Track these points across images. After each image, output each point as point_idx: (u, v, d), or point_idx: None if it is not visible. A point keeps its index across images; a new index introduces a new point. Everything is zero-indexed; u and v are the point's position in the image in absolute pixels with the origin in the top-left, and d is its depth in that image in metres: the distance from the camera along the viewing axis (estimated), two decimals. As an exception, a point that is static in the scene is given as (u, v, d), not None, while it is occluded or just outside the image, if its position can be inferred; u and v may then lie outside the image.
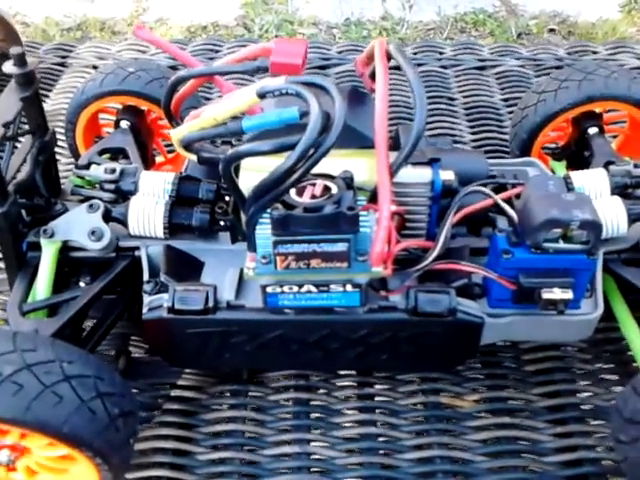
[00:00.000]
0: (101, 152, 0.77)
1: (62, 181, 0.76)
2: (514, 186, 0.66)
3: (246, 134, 0.56)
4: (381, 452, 0.67)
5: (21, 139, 0.72)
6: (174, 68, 1.08)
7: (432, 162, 0.64)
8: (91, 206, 0.65)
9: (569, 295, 0.60)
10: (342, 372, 0.73)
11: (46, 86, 1.11)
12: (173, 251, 0.66)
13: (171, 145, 0.92)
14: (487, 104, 1.06)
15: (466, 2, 1.54)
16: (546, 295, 0.60)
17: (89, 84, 0.82)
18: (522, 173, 0.73)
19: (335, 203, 0.55)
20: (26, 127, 0.69)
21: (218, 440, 0.68)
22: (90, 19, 1.51)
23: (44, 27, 1.49)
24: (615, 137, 0.88)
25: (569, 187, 0.68)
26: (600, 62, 1.01)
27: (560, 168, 0.84)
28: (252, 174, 0.59)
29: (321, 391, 0.72)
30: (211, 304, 0.60)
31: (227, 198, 0.68)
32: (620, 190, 0.69)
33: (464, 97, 1.08)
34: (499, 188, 0.66)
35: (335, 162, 0.56)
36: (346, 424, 0.70)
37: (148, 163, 0.81)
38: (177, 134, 0.58)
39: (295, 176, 0.52)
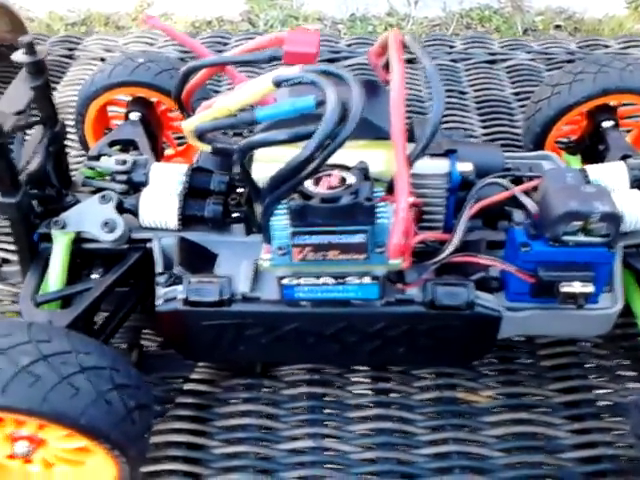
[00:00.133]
0: (111, 144, 0.76)
1: (72, 173, 0.75)
2: (530, 179, 0.65)
3: (259, 124, 0.55)
4: (397, 447, 0.67)
5: (29, 131, 0.71)
6: (182, 60, 1.07)
7: (449, 153, 0.63)
8: (104, 197, 0.65)
9: (589, 289, 0.59)
10: (356, 367, 0.72)
11: (53, 78, 1.10)
12: (186, 243, 0.65)
13: (181, 137, 0.92)
14: (498, 98, 1.05)
15: (471, -2, 1.53)
16: (565, 289, 0.59)
17: (98, 75, 0.81)
18: (537, 166, 0.72)
19: (352, 194, 0.54)
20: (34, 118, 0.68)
21: (232, 434, 0.68)
22: (94, 14, 1.50)
23: (48, 22, 1.48)
24: (629, 131, 0.87)
25: (586, 180, 0.67)
26: (614, 55, 1.01)
27: (574, 162, 0.83)
28: (265, 165, 0.58)
29: (335, 385, 0.71)
30: (226, 296, 0.59)
31: (239, 190, 0.67)
32: (639, 183, 0.68)
33: (475, 91, 1.07)
34: (515, 181, 0.65)
35: (350, 153, 0.55)
36: (361, 419, 0.69)
37: (158, 155, 0.81)
38: (190, 125, 0.57)
39: (312, 166, 0.51)
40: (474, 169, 0.63)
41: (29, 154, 0.67)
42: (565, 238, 0.58)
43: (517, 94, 1.06)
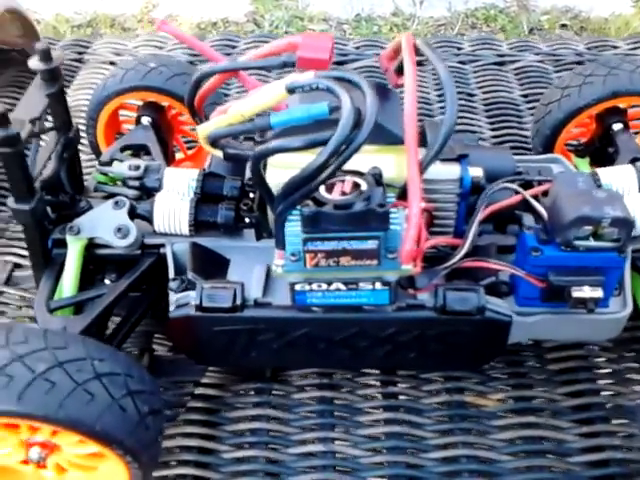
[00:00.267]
0: (123, 149, 0.76)
1: (84, 177, 0.76)
2: (540, 183, 0.65)
3: (273, 130, 0.56)
4: (406, 451, 0.67)
5: (44, 136, 0.72)
6: (192, 63, 1.08)
7: (460, 158, 0.63)
8: (117, 203, 0.65)
9: (599, 293, 0.59)
10: (366, 370, 0.73)
11: (64, 82, 1.10)
12: (199, 248, 0.65)
13: (191, 141, 0.92)
14: (507, 100, 1.05)
15: (477, -3, 1.53)
16: (576, 293, 0.59)
17: (110, 80, 0.82)
18: (546, 170, 0.72)
19: (365, 200, 0.54)
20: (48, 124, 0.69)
21: (242, 438, 0.68)
22: (100, 15, 1.50)
23: (54, 24, 1.48)
24: (637, 133, 0.87)
25: (597, 184, 0.67)
26: (623, 57, 1.00)
27: (583, 165, 0.83)
28: (280, 171, 0.58)
29: (345, 389, 0.72)
30: (239, 302, 0.60)
31: (252, 195, 0.68)
32: (648, 187, 0.68)
33: (483, 93, 1.07)
34: (525, 185, 0.65)
35: (362, 158, 0.55)
36: (370, 423, 0.69)
37: (168, 159, 0.81)
38: (204, 130, 0.58)
39: (326, 173, 0.51)
40: (484, 174, 0.63)
41: (43, 160, 0.67)
42: (576, 243, 0.58)
43: (525, 96, 1.06)
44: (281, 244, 0.56)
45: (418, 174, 0.55)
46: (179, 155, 0.89)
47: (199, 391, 0.71)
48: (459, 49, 1.16)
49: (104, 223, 0.64)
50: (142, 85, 0.80)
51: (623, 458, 0.65)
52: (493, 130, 1.01)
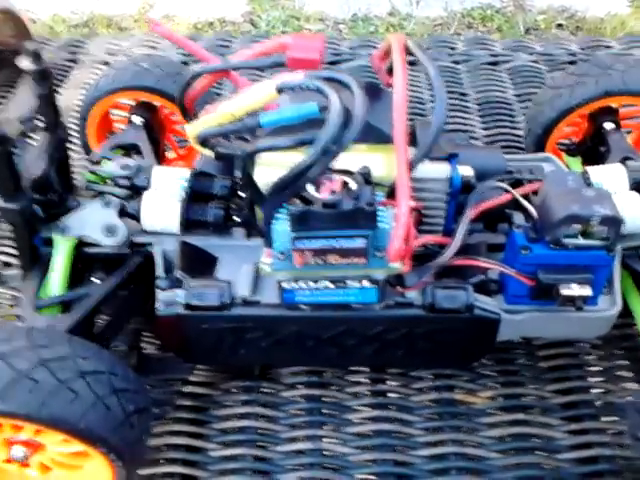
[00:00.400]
0: (114, 148, 0.76)
1: (74, 176, 0.76)
2: (531, 182, 0.66)
3: (263, 129, 0.56)
4: (395, 449, 0.67)
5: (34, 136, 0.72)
6: (185, 64, 1.08)
7: (450, 158, 0.63)
8: (106, 202, 0.65)
9: (588, 291, 0.59)
10: (354, 368, 0.73)
11: (56, 81, 1.11)
12: (187, 247, 0.66)
13: (183, 141, 0.92)
14: (500, 99, 1.05)
15: (473, -3, 1.53)
16: (565, 291, 0.59)
17: (102, 80, 0.82)
18: (537, 169, 0.72)
19: (354, 199, 0.54)
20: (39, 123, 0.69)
21: (230, 436, 0.68)
22: (97, 15, 1.50)
23: (51, 24, 1.48)
24: (629, 133, 0.87)
25: (587, 183, 0.67)
26: (616, 57, 1.00)
27: (575, 164, 0.83)
28: (268, 169, 0.58)
29: (333, 387, 0.72)
30: (227, 300, 0.60)
31: (242, 194, 0.68)
32: (638, 185, 0.68)
33: (476, 92, 1.07)
34: (515, 184, 0.66)
35: (352, 157, 0.55)
36: (359, 421, 0.69)
37: (160, 159, 0.81)
38: (193, 130, 0.58)
39: (315, 172, 0.51)
40: (475, 173, 0.63)
41: (33, 159, 0.67)
42: (565, 241, 0.58)
43: (519, 96, 1.06)
44: (269, 242, 0.56)
45: (407, 173, 0.55)
46: (171, 154, 0.89)
47: (187, 389, 0.71)
48: (453, 49, 1.16)
49: (92, 222, 0.65)
50: (134, 85, 0.80)
51: (612, 455, 0.65)
52: (486, 129, 1.01)
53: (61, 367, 0.50)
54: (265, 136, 0.58)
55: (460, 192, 0.64)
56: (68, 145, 0.73)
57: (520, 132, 0.98)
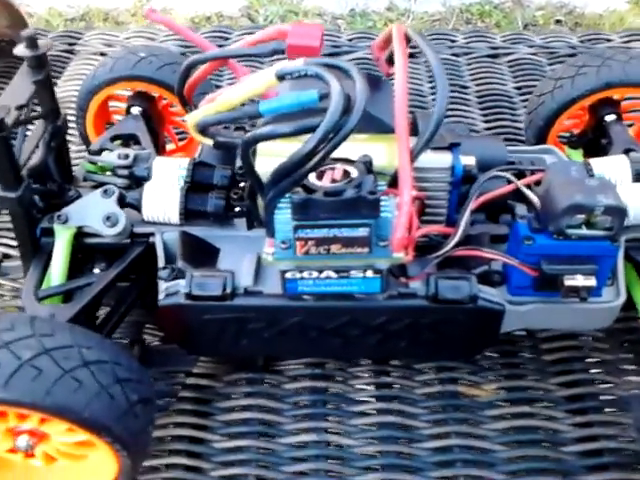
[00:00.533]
0: (113, 138, 0.75)
1: (72, 167, 0.75)
2: (533, 172, 0.65)
3: (263, 117, 0.55)
4: (399, 441, 0.67)
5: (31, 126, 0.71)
6: (184, 54, 1.07)
7: (452, 147, 0.63)
8: (106, 191, 0.65)
9: (592, 282, 0.59)
10: (358, 360, 0.72)
11: (54, 73, 1.10)
12: (189, 237, 0.65)
13: (182, 132, 0.92)
14: (500, 92, 1.05)
15: (472, -7, 1.53)
16: (568, 282, 0.59)
17: (100, 69, 0.81)
18: (539, 160, 0.72)
19: (356, 187, 0.54)
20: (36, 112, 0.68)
21: (234, 428, 0.68)
22: (93, 9, 1.49)
23: (47, 18, 1.48)
24: (630, 125, 0.87)
25: (590, 174, 0.67)
26: (617, 49, 1.00)
27: (576, 156, 0.83)
28: (268, 159, 0.58)
29: (337, 379, 0.71)
30: (229, 290, 0.59)
31: (242, 184, 0.67)
32: (640, 177, 0.68)
33: (477, 85, 1.07)
34: (518, 175, 0.65)
35: (353, 147, 0.55)
36: (363, 413, 0.69)
37: (159, 150, 0.80)
38: (193, 118, 0.57)
39: (316, 159, 0.51)
40: (477, 163, 0.63)
41: (31, 148, 0.66)
42: (569, 231, 0.58)
43: (519, 88, 1.06)
44: (271, 232, 0.56)
45: (409, 162, 0.55)
46: (170, 146, 0.89)
47: (190, 381, 0.71)
48: (453, 42, 1.16)
49: (93, 212, 0.64)
50: (132, 75, 0.79)
51: (617, 447, 0.65)
52: (486, 122, 1.01)
53: (65, 356, 0.50)
54: (265, 124, 0.58)
55: (462, 182, 0.63)
56: (67, 136, 0.72)
57: (521, 125, 0.97)
